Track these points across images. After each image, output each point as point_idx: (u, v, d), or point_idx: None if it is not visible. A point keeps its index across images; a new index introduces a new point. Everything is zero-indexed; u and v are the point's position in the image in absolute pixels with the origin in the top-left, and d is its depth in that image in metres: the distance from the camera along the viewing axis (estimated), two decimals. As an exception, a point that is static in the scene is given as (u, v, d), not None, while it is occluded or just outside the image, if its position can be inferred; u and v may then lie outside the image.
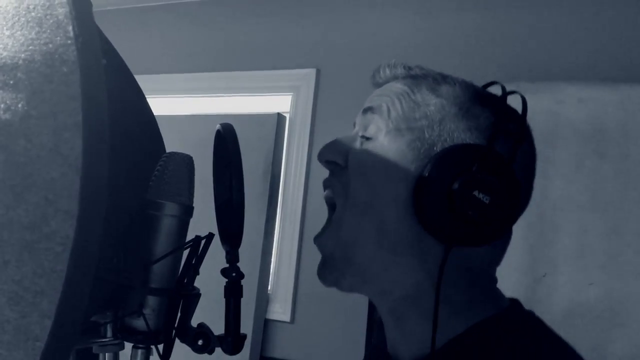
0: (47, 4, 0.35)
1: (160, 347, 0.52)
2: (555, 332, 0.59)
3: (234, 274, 0.55)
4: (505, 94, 0.63)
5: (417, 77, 0.64)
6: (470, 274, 0.60)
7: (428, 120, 0.60)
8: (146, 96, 0.63)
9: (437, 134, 0.59)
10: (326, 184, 0.65)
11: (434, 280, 0.57)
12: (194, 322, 0.55)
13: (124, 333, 0.51)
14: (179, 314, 0.53)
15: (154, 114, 0.64)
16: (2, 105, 0.34)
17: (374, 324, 1.23)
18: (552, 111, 1.43)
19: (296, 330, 1.76)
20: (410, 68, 0.65)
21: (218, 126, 0.58)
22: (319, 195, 0.66)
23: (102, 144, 0.34)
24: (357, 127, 0.66)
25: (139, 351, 0.52)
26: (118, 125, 0.44)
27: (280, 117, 1.83)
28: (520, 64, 1.59)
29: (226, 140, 0.55)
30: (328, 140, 0.65)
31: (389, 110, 0.62)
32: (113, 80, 0.45)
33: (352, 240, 0.60)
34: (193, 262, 0.54)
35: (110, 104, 0.36)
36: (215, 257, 0.58)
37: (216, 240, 0.56)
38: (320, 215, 0.67)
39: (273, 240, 1.81)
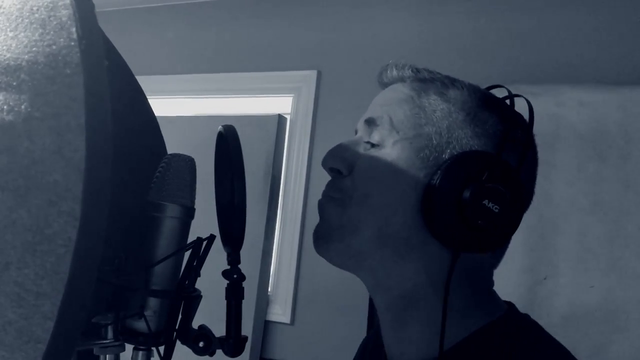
0: (51, 5, 0.35)
1: (162, 348, 0.52)
2: (551, 335, 0.59)
3: (235, 276, 0.55)
4: (512, 98, 0.63)
5: (425, 81, 0.64)
6: (470, 279, 0.60)
7: (435, 126, 0.60)
8: (147, 97, 0.63)
9: (446, 140, 0.59)
10: (328, 187, 0.65)
11: (436, 285, 0.58)
12: (195, 324, 0.55)
13: (125, 335, 0.51)
14: (180, 316, 0.53)
15: (156, 115, 0.64)
16: (5, 107, 0.34)
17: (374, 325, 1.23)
18: (553, 114, 1.43)
19: (296, 332, 1.76)
20: (418, 71, 0.65)
21: (220, 128, 0.58)
22: (319, 196, 0.66)
23: (106, 146, 0.34)
24: (360, 133, 0.65)
25: (140, 353, 0.51)
26: (120, 127, 0.44)
27: (281, 119, 1.83)
28: (521, 67, 1.59)
29: (228, 141, 0.55)
30: (329, 141, 0.65)
31: (391, 120, 0.61)
32: (115, 81, 0.45)
33: (353, 229, 0.60)
34: (194, 263, 0.54)
35: (112, 106, 0.36)
36: (217, 258, 0.58)
37: (217, 242, 0.56)
38: (321, 217, 0.67)
39: (273, 242, 1.81)
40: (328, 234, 0.61)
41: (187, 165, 0.53)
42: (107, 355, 0.52)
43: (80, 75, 0.34)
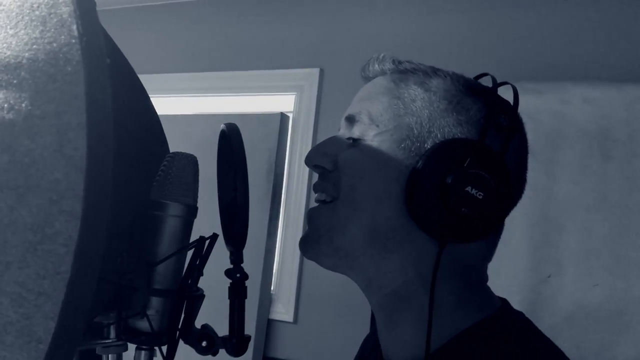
0: (51, 2, 0.35)
1: (164, 348, 0.52)
2: (544, 335, 0.59)
3: (238, 275, 0.55)
4: (496, 85, 0.62)
5: (406, 72, 0.63)
6: (462, 273, 0.59)
7: (415, 116, 0.59)
8: (150, 96, 0.63)
9: (427, 129, 0.58)
10: (316, 188, 0.64)
11: (425, 280, 0.57)
12: (198, 323, 0.54)
13: (128, 334, 0.50)
14: (182, 315, 0.53)
15: (158, 113, 0.64)
16: (6, 105, 0.33)
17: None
18: (557, 111, 1.42)
19: (299, 331, 1.75)
20: (399, 62, 0.64)
21: (223, 126, 0.57)
22: (322, 195, 0.66)
23: (107, 144, 0.34)
24: (342, 130, 0.65)
25: (143, 352, 0.51)
26: (122, 125, 0.43)
27: (283, 117, 1.83)
28: (525, 64, 1.58)
29: (231, 140, 0.54)
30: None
31: (370, 114, 0.61)
32: (117, 79, 0.45)
33: (341, 228, 0.59)
34: (197, 263, 0.53)
35: (114, 104, 0.36)
36: (219, 257, 0.58)
37: (220, 241, 0.56)
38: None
39: (276, 240, 1.81)
40: (316, 238, 0.61)
41: (190, 163, 0.53)
42: (110, 355, 0.51)
43: (81, 72, 0.33)
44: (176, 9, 2.15)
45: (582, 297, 1.35)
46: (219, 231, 0.57)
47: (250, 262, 1.47)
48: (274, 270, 1.81)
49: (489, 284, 0.63)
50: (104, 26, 0.45)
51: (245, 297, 0.55)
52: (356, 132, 0.62)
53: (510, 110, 0.60)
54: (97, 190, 0.33)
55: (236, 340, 0.53)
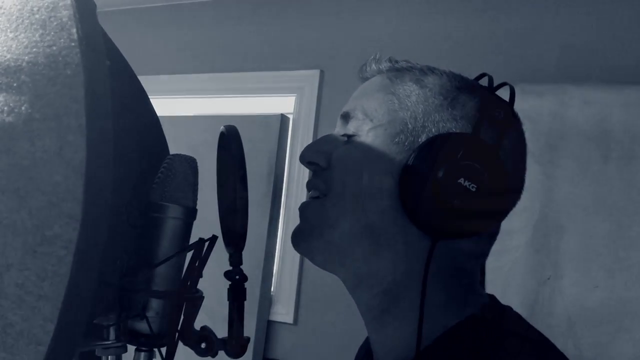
0: (51, 6, 0.35)
1: (164, 350, 0.52)
2: (534, 328, 0.58)
3: (237, 277, 0.55)
4: (494, 85, 0.62)
5: (402, 70, 0.63)
6: (453, 271, 0.59)
7: (410, 111, 0.59)
8: (149, 97, 0.63)
9: (422, 124, 0.58)
10: (309, 185, 0.64)
11: (416, 277, 0.56)
12: (197, 325, 0.54)
13: (127, 336, 0.50)
14: (182, 317, 0.53)
15: (158, 115, 0.64)
16: (6, 108, 0.33)
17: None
18: (556, 113, 1.42)
19: (299, 332, 1.75)
20: (396, 61, 0.65)
21: (222, 128, 0.57)
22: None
23: (106, 147, 0.34)
24: (337, 129, 0.65)
25: (142, 354, 0.51)
26: (121, 127, 0.43)
27: (283, 118, 1.83)
28: (525, 66, 1.58)
29: (230, 142, 0.54)
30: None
31: (364, 109, 0.61)
32: (116, 81, 0.45)
33: (331, 223, 0.59)
34: (196, 264, 0.53)
35: (113, 106, 0.36)
36: (219, 259, 0.58)
37: (219, 243, 0.56)
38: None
39: (276, 242, 1.80)
40: (308, 232, 0.61)
41: (189, 165, 0.53)
42: (109, 357, 0.52)
43: (81, 76, 0.34)
44: (176, 10, 2.15)
45: (581, 298, 1.35)
46: (219, 233, 0.57)
47: (250, 264, 1.47)
48: (274, 272, 1.81)
49: (490, 286, 0.63)
50: (104, 27, 0.45)
51: (245, 299, 0.55)
52: (351, 128, 0.62)
53: (506, 106, 0.60)
54: (96, 193, 0.33)
55: (235, 342, 0.54)
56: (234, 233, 0.54)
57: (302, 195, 1.80)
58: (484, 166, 0.54)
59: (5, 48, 0.35)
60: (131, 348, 0.52)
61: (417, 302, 0.55)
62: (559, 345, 0.58)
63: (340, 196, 0.59)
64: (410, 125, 0.58)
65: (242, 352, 0.54)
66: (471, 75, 0.67)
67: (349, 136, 0.62)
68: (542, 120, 1.37)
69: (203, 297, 0.55)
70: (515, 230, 1.34)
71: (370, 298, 0.60)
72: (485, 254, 0.62)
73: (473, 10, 1.69)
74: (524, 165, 0.63)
